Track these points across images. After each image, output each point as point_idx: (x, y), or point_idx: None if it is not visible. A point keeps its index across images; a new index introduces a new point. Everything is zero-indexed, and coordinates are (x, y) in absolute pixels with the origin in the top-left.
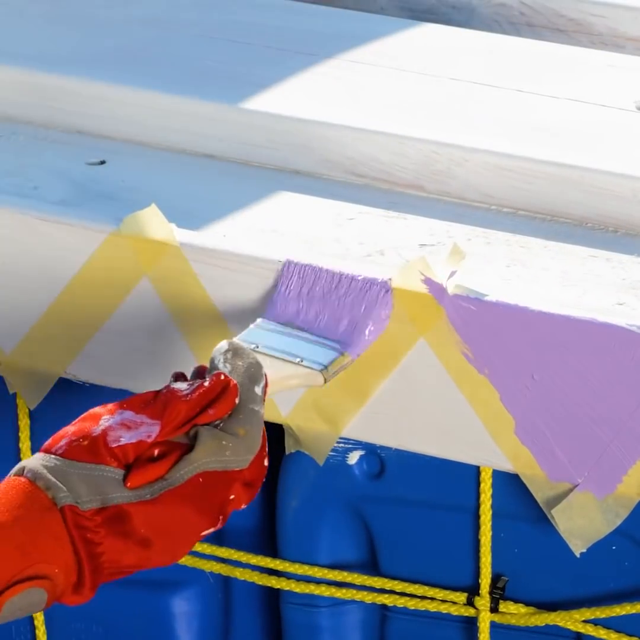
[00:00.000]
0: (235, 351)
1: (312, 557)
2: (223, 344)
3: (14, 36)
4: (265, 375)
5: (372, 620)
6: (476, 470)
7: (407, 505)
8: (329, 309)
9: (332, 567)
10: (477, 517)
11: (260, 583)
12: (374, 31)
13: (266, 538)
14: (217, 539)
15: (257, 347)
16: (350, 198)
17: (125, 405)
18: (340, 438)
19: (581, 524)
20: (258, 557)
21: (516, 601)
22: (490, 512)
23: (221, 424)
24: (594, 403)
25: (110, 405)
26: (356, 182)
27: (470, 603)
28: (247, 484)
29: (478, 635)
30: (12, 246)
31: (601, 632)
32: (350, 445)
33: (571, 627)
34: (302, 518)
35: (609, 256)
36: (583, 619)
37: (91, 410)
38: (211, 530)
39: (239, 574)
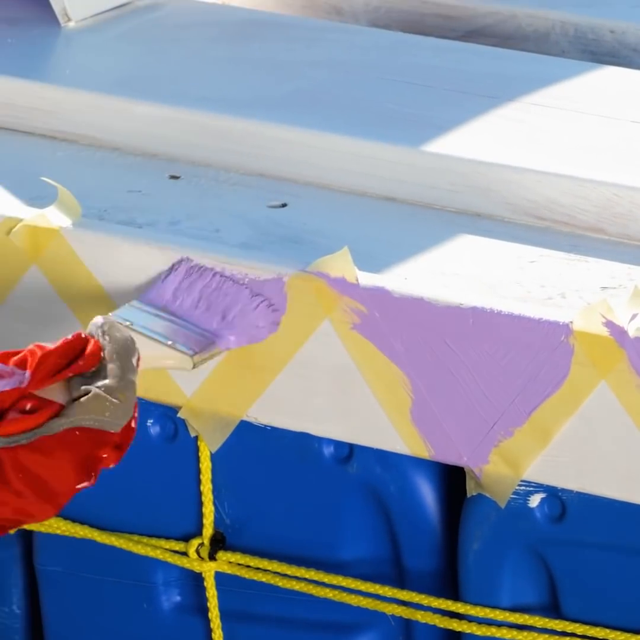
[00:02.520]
0: (110, 325)
1: (494, 599)
2: (98, 319)
3: (195, 79)
4: (138, 350)
5: None
6: None
7: (589, 548)
8: (206, 302)
9: (514, 610)
10: None
11: (442, 626)
12: (555, 74)
13: (447, 581)
14: (398, 581)
15: (132, 324)
16: (532, 241)
17: None
18: (522, 481)
19: None
20: (439, 600)
21: None
22: None
23: (103, 388)
24: None
25: None
26: (537, 225)
27: None
28: (117, 446)
29: None
30: None
31: None
32: (531, 488)
33: None
34: (484, 560)
35: None
36: None
37: None
38: (85, 484)
39: (420, 616)
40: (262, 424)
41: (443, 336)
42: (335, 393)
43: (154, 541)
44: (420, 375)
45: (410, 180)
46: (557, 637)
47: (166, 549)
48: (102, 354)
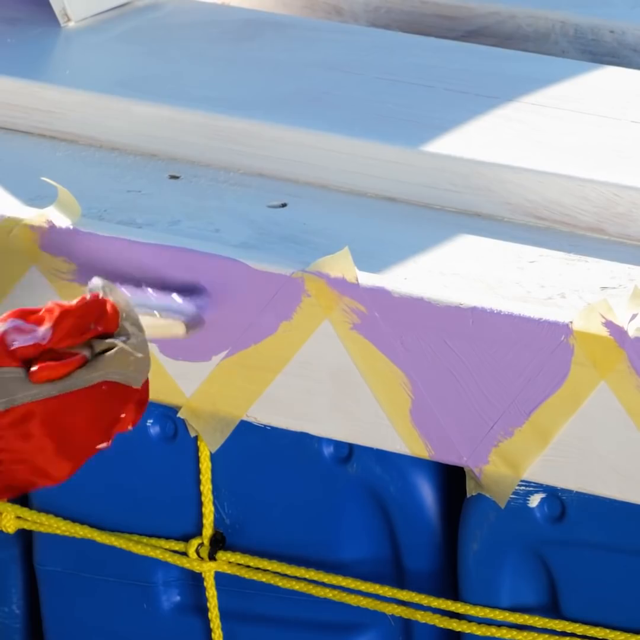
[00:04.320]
0: (111, 287)
1: (494, 599)
2: (98, 280)
3: (195, 79)
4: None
5: None
6: None
7: (589, 548)
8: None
9: (513, 610)
10: None
11: (441, 626)
12: (555, 74)
13: (447, 581)
14: (398, 581)
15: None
16: (531, 241)
17: (13, 315)
18: (521, 481)
19: None
20: (439, 600)
21: None
22: None
23: (127, 343)
24: None
25: None
26: (537, 225)
27: None
28: (137, 403)
29: None
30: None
31: None
32: (531, 488)
33: None
34: (484, 561)
35: None
36: None
37: None
38: (104, 445)
39: (420, 616)
40: (262, 424)
41: (443, 336)
42: (335, 393)
43: (153, 541)
44: (420, 375)
45: (410, 180)
46: (556, 637)
47: (166, 549)
48: (119, 316)
